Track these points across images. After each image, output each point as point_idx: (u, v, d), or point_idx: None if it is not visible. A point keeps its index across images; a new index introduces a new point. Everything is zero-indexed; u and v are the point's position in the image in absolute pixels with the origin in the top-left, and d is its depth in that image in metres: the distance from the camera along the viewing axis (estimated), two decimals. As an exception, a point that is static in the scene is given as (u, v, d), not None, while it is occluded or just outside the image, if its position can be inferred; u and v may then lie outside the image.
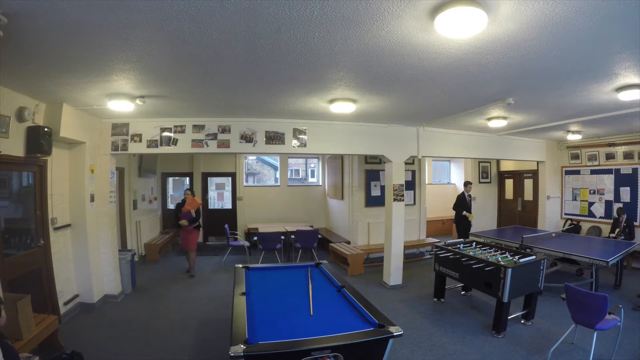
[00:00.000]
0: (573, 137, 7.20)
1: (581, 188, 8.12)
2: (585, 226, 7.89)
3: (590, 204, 7.94)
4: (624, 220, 6.44)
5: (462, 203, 7.49)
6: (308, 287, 3.56)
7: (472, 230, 7.49)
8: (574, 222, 8.00)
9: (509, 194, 10.35)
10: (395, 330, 2.44)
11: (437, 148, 6.54)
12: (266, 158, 12.02)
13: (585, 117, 5.09)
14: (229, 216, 9.76)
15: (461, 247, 5.08)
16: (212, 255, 8.16)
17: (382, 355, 2.45)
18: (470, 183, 7.76)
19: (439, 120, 5.58)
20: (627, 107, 4.40)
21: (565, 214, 8.40)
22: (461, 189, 8.28)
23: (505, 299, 3.92)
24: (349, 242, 7.89)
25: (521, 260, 4.26)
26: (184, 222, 6.53)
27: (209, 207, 9.97)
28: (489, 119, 5.42)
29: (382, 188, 7.69)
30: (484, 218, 9.92)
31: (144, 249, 7.74)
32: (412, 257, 7.72)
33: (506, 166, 10.43)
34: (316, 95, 4.07)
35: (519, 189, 10.05)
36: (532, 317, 4.36)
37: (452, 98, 4.21)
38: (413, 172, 8.26)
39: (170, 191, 10.15)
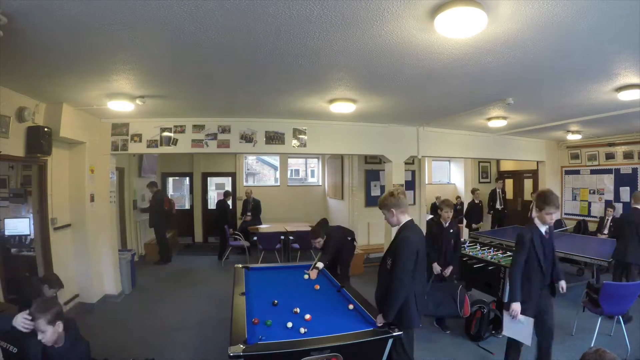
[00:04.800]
0: (573, 137, 7.20)
1: (581, 188, 8.13)
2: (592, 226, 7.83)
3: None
4: None
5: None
6: (307, 287, 3.57)
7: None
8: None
9: (509, 194, 10.33)
10: (395, 330, 2.43)
11: (437, 148, 6.54)
12: (266, 158, 12.00)
13: (585, 117, 5.10)
14: (228, 216, 9.75)
15: (465, 247, 5.08)
16: (211, 255, 8.16)
17: (382, 355, 2.44)
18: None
19: (439, 120, 5.58)
20: (627, 107, 4.40)
21: (565, 213, 8.40)
22: (462, 189, 8.29)
23: (505, 299, 3.92)
24: (349, 242, 7.88)
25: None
26: None
27: (209, 207, 9.97)
28: (489, 119, 5.42)
29: (382, 188, 7.68)
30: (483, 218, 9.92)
31: (144, 249, 7.74)
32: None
33: (506, 166, 10.43)
34: (316, 95, 4.06)
35: (519, 189, 10.05)
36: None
37: (452, 98, 4.21)
38: (413, 172, 8.26)
39: (170, 191, 10.14)
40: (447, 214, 4.14)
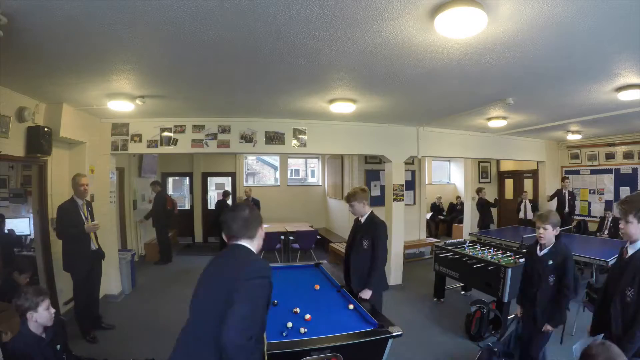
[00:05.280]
0: (573, 137, 7.20)
1: (581, 188, 8.12)
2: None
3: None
4: None
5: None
6: (307, 287, 3.56)
7: (472, 230, 7.46)
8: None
9: (509, 194, 10.34)
10: (395, 330, 2.43)
11: (437, 148, 6.54)
12: (266, 158, 12.01)
13: (585, 117, 5.09)
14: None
15: (465, 247, 5.08)
16: (211, 255, 8.14)
17: (382, 355, 2.44)
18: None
19: (439, 120, 5.58)
20: (627, 107, 4.40)
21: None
22: (462, 189, 8.20)
23: (505, 299, 3.92)
24: (349, 242, 7.88)
25: (521, 260, 4.26)
26: None
27: (209, 207, 9.97)
28: (489, 119, 5.42)
29: (382, 188, 7.68)
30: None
31: (144, 249, 7.74)
32: (412, 257, 7.72)
33: (506, 166, 10.43)
34: (316, 95, 4.06)
35: (519, 189, 10.05)
36: (532, 317, 4.36)
37: (452, 98, 4.21)
38: (413, 172, 8.26)
39: (170, 191, 10.14)
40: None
